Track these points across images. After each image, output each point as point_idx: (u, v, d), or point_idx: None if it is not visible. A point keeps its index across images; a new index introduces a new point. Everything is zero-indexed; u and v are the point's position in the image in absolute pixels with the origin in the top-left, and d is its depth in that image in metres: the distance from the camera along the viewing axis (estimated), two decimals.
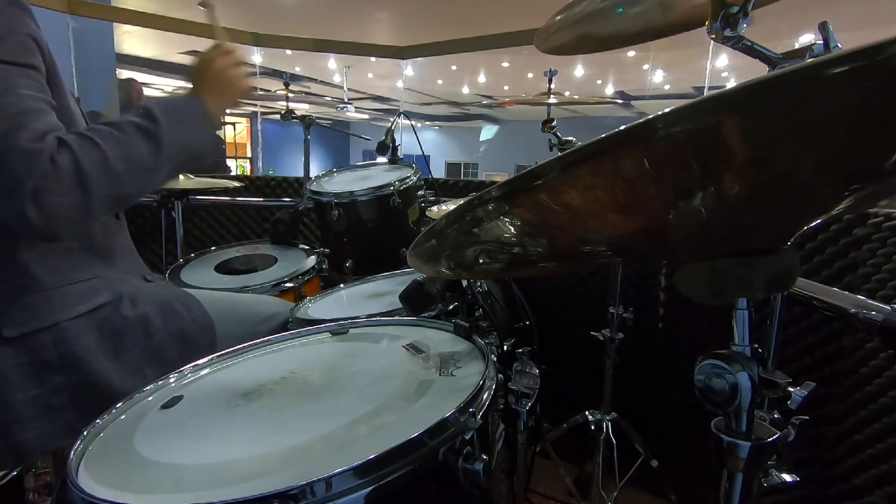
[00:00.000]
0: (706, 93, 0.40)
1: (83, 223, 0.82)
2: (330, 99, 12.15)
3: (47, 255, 0.86)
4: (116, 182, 0.80)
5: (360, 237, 1.73)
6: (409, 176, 1.71)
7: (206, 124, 0.94)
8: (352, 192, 1.66)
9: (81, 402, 0.86)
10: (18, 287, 0.83)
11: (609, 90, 10.81)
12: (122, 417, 0.73)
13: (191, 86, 0.97)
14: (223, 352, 0.90)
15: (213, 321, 1.04)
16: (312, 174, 2.09)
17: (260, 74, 9.53)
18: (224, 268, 1.79)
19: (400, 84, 10.57)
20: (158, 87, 10.11)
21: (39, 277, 0.85)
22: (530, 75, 9.57)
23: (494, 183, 0.39)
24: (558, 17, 1.04)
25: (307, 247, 1.91)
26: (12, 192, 0.71)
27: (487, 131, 16.58)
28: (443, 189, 2.01)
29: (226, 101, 1.00)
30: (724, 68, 8.38)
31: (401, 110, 2.11)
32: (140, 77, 9.07)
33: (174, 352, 0.96)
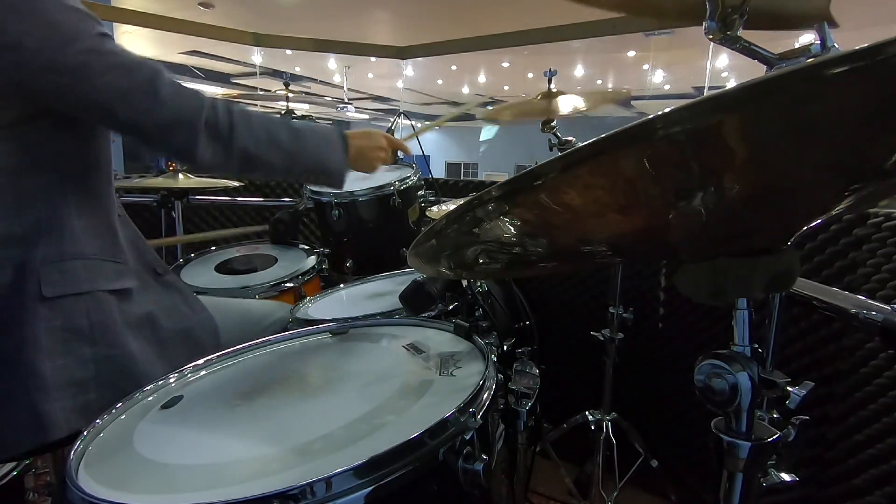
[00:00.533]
0: (706, 93, 0.40)
1: (225, 166, 0.93)
2: (330, 99, 12.15)
3: (95, 226, 0.90)
4: (254, 140, 0.93)
5: (360, 237, 1.73)
6: (409, 176, 1.71)
7: (341, 159, 1.05)
8: (352, 192, 1.66)
9: (104, 379, 0.87)
10: (62, 251, 0.86)
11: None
12: (122, 417, 0.73)
13: (353, 132, 1.11)
14: (223, 352, 0.90)
15: (216, 324, 1.05)
16: None
17: (260, 74, 9.54)
18: (224, 268, 1.79)
19: (400, 84, 10.58)
20: None
21: (83, 245, 0.88)
22: (530, 75, 9.57)
23: (494, 183, 0.39)
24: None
25: (307, 247, 1.91)
26: (191, 126, 0.86)
27: (487, 131, 16.57)
28: (443, 189, 2.01)
29: (360, 165, 1.12)
30: (724, 68, 8.38)
31: (401, 110, 2.11)
32: None
33: (180, 348, 0.97)
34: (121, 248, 0.95)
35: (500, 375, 0.76)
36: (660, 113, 0.29)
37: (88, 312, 0.86)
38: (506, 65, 9.44)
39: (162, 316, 0.97)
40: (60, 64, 0.77)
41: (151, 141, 0.88)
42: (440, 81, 11.16)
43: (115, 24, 4.14)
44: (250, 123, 0.92)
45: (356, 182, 1.80)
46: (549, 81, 1.78)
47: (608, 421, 1.55)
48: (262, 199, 2.51)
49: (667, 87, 10.23)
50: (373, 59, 8.46)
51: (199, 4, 6.27)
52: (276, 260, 1.82)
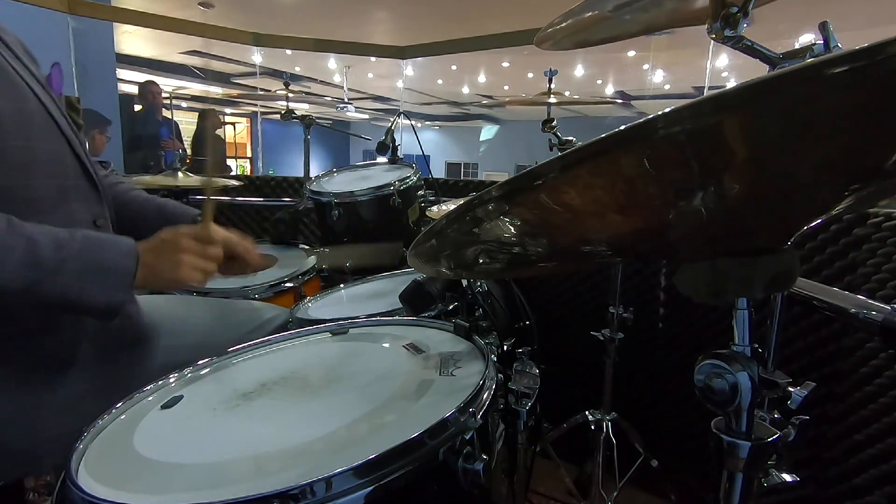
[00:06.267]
0: (706, 93, 0.40)
1: None
2: (330, 99, 12.14)
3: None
4: None
5: (360, 237, 1.73)
6: (409, 176, 1.71)
7: (114, 285, 0.77)
8: (352, 192, 1.66)
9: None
10: None
11: (609, 90, 10.80)
12: (122, 417, 0.73)
13: (147, 241, 0.83)
14: (223, 352, 0.90)
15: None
16: (312, 174, 2.09)
17: (260, 74, 9.53)
18: None
19: (400, 84, 10.56)
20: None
21: None
22: (530, 75, 9.56)
23: (494, 183, 0.39)
24: (562, 25, 1.02)
25: (307, 247, 1.91)
26: None
27: (487, 131, 16.57)
28: (443, 189, 2.01)
29: (156, 279, 0.83)
30: (724, 68, 8.38)
31: (401, 110, 2.11)
32: (140, 77, 9.08)
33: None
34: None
35: (500, 375, 0.76)
36: (660, 113, 0.29)
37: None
38: (506, 65, 9.44)
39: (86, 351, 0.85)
40: None
41: None
42: (440, 81, 11.16)
43: (115, 24, 4.14)
44: None
45: (356, 182, 1.81)
46: (549, 81, 1.78)
47: (608, 421, 1.55)
48: (262, 199, 2.51)
49: (667, 87, 10.22)
50: (373, 59, 8.46)
51: (199, 4, 6.27)
52: (276, 260, 1.82)
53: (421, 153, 1.95)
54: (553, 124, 1.52)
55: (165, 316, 1.05)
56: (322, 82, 11.02)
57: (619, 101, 11.27)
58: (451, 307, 1.06)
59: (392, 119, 1.98)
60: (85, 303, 0.75)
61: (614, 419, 1.56)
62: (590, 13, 0.96)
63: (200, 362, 0.86)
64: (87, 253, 0.75)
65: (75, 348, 0.87)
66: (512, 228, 0.44)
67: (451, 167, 16.96)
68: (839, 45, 0.66)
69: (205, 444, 0.63)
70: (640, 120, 0.29)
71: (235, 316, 1.17)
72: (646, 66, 9.01)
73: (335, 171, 1.98)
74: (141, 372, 0.92)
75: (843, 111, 0.28)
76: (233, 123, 11.25)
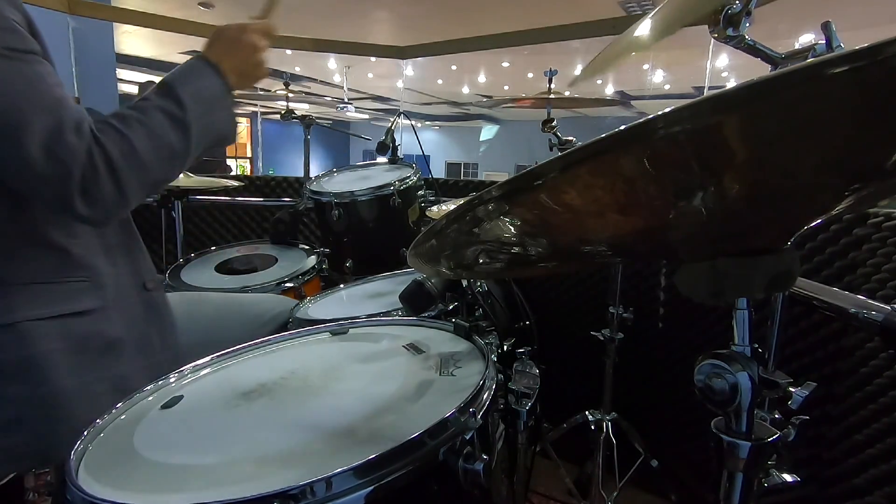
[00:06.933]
0: (706, 93, 0.40)
1: (122, 209, 0.82)
2: (330, 99, 12.15)
3: (13, 249, 0.82)
4: (145, 171, 0.80)
5: (360, 237, 1.73)
6: (409, 176, 1.71)
7: (228, 106, 0.90)
8: (352, 192, 1.66)
9: (29, 421, 0.81)
10: None
11: (609, 90, 10.80)
12: (122, 417, 0.73)
13: (213, 48, 0.90)
14: (223, 352, 0.90)
15: (180, 357, 0.97)
16: (312, 174, 2.09)
17: None
18: (224, 268, 1.79)
19: (400, 84, 10.57)
20: None
21: (2, 271, 0.80)
22: (530, 75, 9.56)
23: (494, 183, 0.39)
24: (590, 68, 0.99)
25: (307, 247, 1.91)
26: (63, 185, 0.74)
27: (487, 131, 16.58)
28: (443, 189, 2.01)
29: (245, 83, 0.94)
30: (724, 68, 8.38)
31: (401, 110, 2.11)
32: (140, 77, 9.08)
33: (138, 383, 0.89)
34: (76, 265, 0.86)
35: (500, 375, 0.76)
36: (660, 113, 0.29)
37: (12, 346, 0.78)
38: (506, 65, 9.44)
39: (128, 347, 0.90)
40: None
41: (17, 187, 0.78)
42: (440, 81, 11.16)
43: (115, 24, 4.14)
44: (136, 156, 0.79)
45: (356, 182, 1.81)
46: (549, 81, 1.78)
47: (608, 421, 1.55)
48: (262, 199, 2.51)
49: (667, 87, 10.23)
50: (373, 59, 8.46)
51: (199, 4, 6.27)
52: (276, 260, 1.83)
53: (421, 153, 1.94)
54: (553, 124, 1.52)
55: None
56: (322, 82, 11.03)
57: (619, 101, 11.27)
58: (451, 307, 1.06)
59: (392, 119, 1.98)
60: (224, 133, 0.90)
61: (614, 419, 1.56)
62: (605, 52, 0.94)
63: (200, 362, 0.86)
64: (198, 93, 0.86)
65: (124, 331, 0.91)
66: (512, 228, 0.44)
67: (451, 167, 16.97)
68: (841, 45, 0.66)
69: (205, 443, 0.63)
70: (640, 120, 0.29)
71: (242, 311, 1.17)
72: (646, 66, 9.01)
73: (335, 171, 1.99)
74: (113, 388, 0.90)
75: (844, 111, 0.28)
76: None
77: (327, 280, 1.79)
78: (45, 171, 0.73)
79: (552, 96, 1.75)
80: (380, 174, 1.84)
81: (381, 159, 1.96)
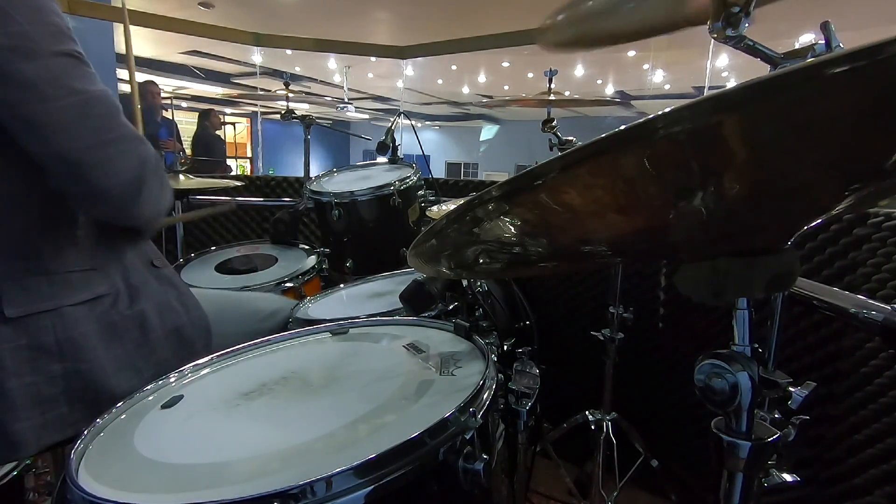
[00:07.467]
0: (706, 93, 0.40)
1: (154, 221, 0.98)
2: (330, 99, 12.14)
3: (57, 240, 0.88)
4: (153, 207, 0.93)
5: (360, 237, 1.73)
6: (409, 176, 1.71)
7: None
8: (352, 192, 1.66)
9: (74, 394, 0.86)
10: (25, 268, 0.84)
11: (609, 90, 10.80)
12: (122, 417, 0.73)
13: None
14: (223, 351, 0.90)
15: (209, 323, 1.04)
16: (312, 174, 2.09)
17: (260, 74, 9.54)
18: (224, 268, 1.79)
19: (400, 84, 10.57)
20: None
21: (46, 261, 0.86)
22: (530, 75, 9.56)
23: (494, 183, 0.39)
24: (561, 16, 1.02)
25: (307, 247, 1.91)
26: (140, 168, 0.86)
27: (487, 131, 16.58)
28: (443, 189, 2.01)
29: None
30: (724, 68, 8.38)
31: (401, 110, 2.11)
32: (140, 77, 9.07)
33: (169, 350, 0.96)
34: (94, 254, 0.92)
35: (501, 375, 0.76)
36: (660, 113, 0.29)
37: (55, 329, 0.84)
38: (506, 65, 9.44)
39: (153, 315, 0.96)
40: (17, 73, 0.74)
41: (82, 181, 0.83)
42: (440, 81, 11.16)
43: (115, 24, 4.14)
44: (160, 191, 0.94)
45: (356, 182, 1.81)
46: (549, 81, 1.78)
47: (608, 421, 1.55)
48: (262, 199, 2.51)
49: (667, 87, 10.23)
50: (373, 59, 8.46)
51: (199, 4, 6.27)
52: (276, 260, 1.83)
53: (421, 153, 1.95)
54: (553, 124, 1.52)
55: None
56: (322, 82, 11.02)
57: (619, 101, 11.27)
58: (451, 307, 1.06)
59: (392, 119, 1.98)
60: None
61: (614, 419, 1.56)
62: (589, 2, 0.95)
63: (200, 361, 0.87)
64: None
65: (143, 302, 0.97)
66: (512, 228, 0.44)
67: (451, 167, 16.96)
68: (841, 44, 0.66)
69: (205, 443, 0.63)
70: (640, 120, 0.29)
71: (241, 308, 1.17)
72: (646, 66, 9.01)
73: (335, 171, 1.99)
74: (145, 357, 0.95)
75: (844, 111, 0.28)
76: (233, 123, 11.26)
77: (327, 280, 1.79)
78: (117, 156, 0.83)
79: (552, 96, 1.75)
80: (380, 174, 1.84)
81: (382, 159, 1.96)
